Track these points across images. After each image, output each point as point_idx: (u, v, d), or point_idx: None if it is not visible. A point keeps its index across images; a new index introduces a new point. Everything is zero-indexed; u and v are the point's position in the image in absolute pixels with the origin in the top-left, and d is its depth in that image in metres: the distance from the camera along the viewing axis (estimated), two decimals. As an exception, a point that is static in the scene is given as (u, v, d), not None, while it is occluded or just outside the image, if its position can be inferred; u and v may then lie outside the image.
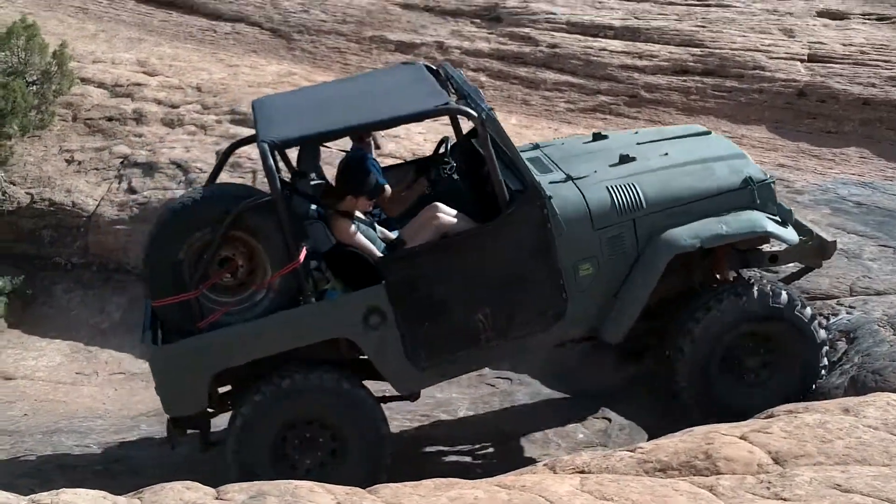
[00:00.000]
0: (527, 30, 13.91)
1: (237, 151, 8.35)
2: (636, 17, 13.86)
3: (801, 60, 12.32)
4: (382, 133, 10.18)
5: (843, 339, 7.33)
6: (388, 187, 6.75)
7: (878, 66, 12.04)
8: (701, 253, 6.70)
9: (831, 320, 7.49)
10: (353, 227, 6.43)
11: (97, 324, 10.01)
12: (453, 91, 6.85)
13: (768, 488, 4.58)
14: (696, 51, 12.78)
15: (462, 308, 6.39)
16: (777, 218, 6.80)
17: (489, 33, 14.08)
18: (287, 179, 6.82)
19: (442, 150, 7.34)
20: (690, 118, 11.53)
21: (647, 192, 6.67)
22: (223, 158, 7.32)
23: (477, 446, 7.40)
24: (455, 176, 7.13)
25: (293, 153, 7.15)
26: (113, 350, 9.61)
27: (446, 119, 7.77)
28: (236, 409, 6.39)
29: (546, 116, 12.32)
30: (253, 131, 6.89)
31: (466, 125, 7.24)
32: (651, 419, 7.18)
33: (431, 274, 6.34)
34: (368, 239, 6.49)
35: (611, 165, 6.86)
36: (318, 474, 6.03)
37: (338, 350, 6.51)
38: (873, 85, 11.69)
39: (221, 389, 6.76)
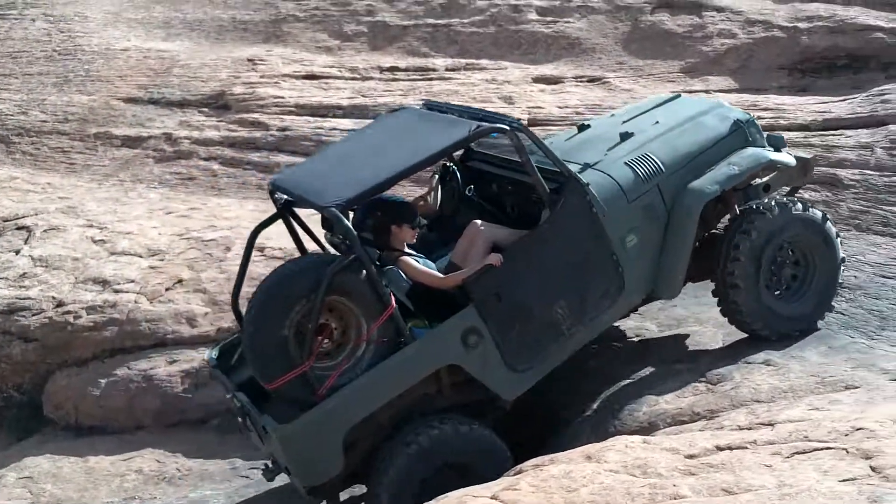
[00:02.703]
0: (256, 115, 13.91)
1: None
2: (363, 95, 14.09)
3: (523, 125, 12.81)
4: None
5: (585, 387, 7.60)
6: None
7: (592, 123, 12.64)
8: (714, 200, 7.32)
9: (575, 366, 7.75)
10: (418, 263, 6.72)
11: None
12: (456, 114, 7.18)
13: (520, 544, 4.66)
14: (423, 123, 13.09)
15: (541, 305, 6.79)
16: (770, 148, 7.62)
17: (218, 121, 14.00)
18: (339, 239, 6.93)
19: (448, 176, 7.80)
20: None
21: (661, 156, 7.29)
22: (251, 242, 7.25)
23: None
24: (470, 194, 7.70)
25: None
26: None
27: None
28: (382, 464, 6.53)
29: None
30: (272, 211, 7.21)
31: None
32: None
33: (510, 282, 6.67)
34: (429, 268, 6.77)
35: (615, 145, 7.41)
36: None
37: (438, 384, 6.74)
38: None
39: None
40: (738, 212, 7.47)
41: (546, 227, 6.81)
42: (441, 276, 6.74)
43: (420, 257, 6.85)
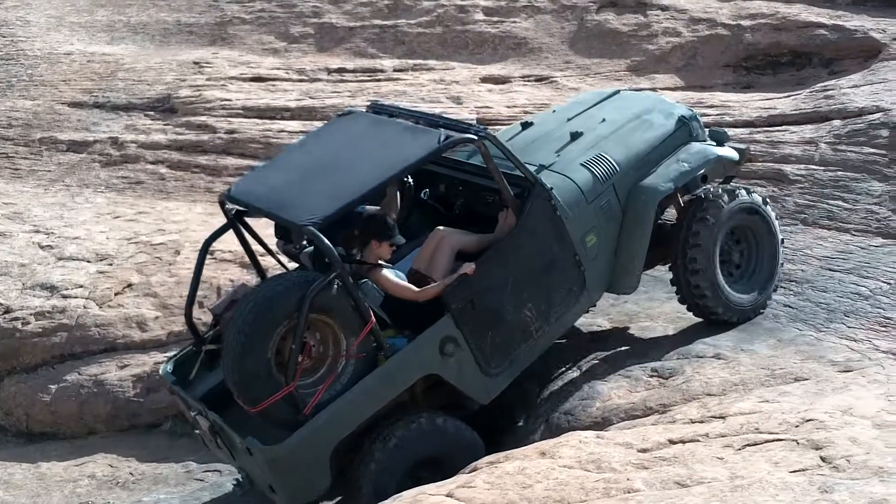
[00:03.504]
0: (203, 118, 13.80)
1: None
2: (311, 97, 14.02)
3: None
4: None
5: (537, 384, 7.64)
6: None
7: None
8: None
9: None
10: (392, 275, 6.73)
11: None
12: (412, 120, 7.24)
13: (476, 541, 4.68)
14: (372, 124, 13.05)
15: (512, 309, 6.91)
16: (712, 142, 7.89)
17: (165, 124, 13.89)
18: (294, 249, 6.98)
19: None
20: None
21: (615, 156, 7.44)
22: (203, 254, 7.18)
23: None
24: (425, 197, 7.75)
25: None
26: None
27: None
28: (364, 460, 6.56)
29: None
30: (220, 214, 7.14)
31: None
32: None
33: (482, 289, 6.78)
34: (403, 281, 6.79)
35: (566, 145, 7.55)
36: None
37: (411, 391, 6.82)
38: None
39: None
40: (681, 203, 7.65)
41: (517, 232, 6.91)
42: (416, 289, 6.73)
43: (391, 269, 6.84)
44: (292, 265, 7.76)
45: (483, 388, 6.93)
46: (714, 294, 7.51)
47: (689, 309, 7.70)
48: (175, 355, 7.46)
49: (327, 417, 6.37)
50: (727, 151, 7.89)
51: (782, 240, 8.01)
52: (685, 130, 7.83)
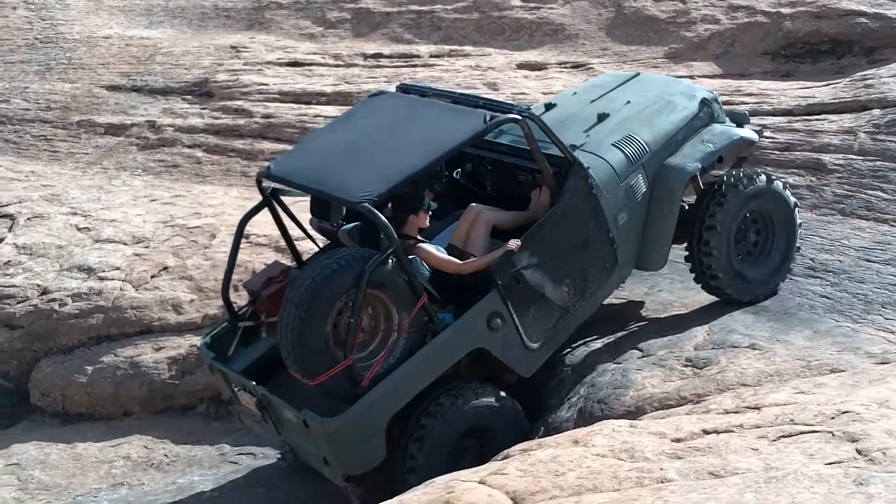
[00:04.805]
0: (239, 102, 13.87)
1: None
2: (347, 83, 14.06)
3: (507, 111, 12.79)
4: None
5: (571, 372, 7.63)
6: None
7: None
8: None
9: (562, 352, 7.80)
10: (435, 250, 6.86)
11: None
12: (448, 100, 7.39)
13: (508, 528, 4.67)
14: (408, 110, 13.05)
15: (552, 285, 7.09)
16: (733, 123, 8.08)
17: (202, 108, 13.97)
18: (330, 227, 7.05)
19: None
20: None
21: (645, 137, 7.62)
22: (239, 232, 7.29)
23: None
24: (458, 178, 7.86)
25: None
26: None
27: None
28: (417, 429, 6.73)
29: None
30: (257, 198, 7.21)
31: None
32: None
33: (527, 265, 6.93)
34: (446, 255, 6.93)
35: (593, 126, 7.70)
36: None
37: (456, 364, 6.91)
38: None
39: None
40: (701, 185, 7.78)
41: (555, 211, 7.07)
42: (460, 262, 6.88)
43: (434, 245, 6.95)
44: (323, 244, 7.77)
45: (525, 362, 7.11)
46: (726, 275, 7.70)
47: (703, 287, 7.92)
48: (210, 332, 7.54)
49: (384, 390, 6.50)
50: (748, 133, 8.11)
51: (800, 224, 8.12)
52: (707, 112, 8.03)
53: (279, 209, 7.28)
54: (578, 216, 7.19)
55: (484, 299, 6.82)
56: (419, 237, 6.92)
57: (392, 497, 5.34)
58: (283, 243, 7.51)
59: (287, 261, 7.92)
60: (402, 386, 6.59)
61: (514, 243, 6.85)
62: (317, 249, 7.68)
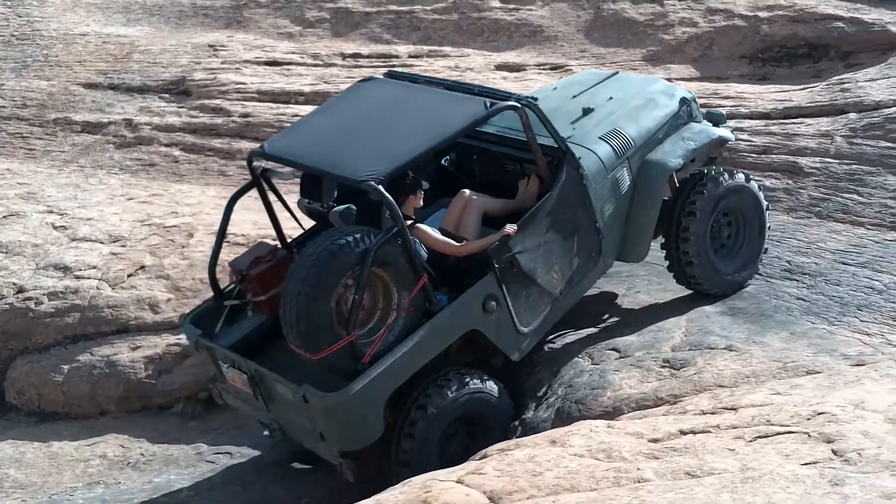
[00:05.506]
0: (217, 101, 13.81)
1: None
2: (325, 82, 14.02)
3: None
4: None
5: (547, 371, 7.64)
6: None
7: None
8: None
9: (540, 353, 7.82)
10: (432, 232, 6.97)
11: None
12: (441, 87, 7.51)
13: (485, 528, 4.68)
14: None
15: (543, 271, 7.23)
16: (709, 123, 8.32)
17: (179, 107, 13.90)
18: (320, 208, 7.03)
19: None
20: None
21: (630, 132, 7.82)
22: (228, 209, 7.30)
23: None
24: (447, 165, 8.02)
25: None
26: None
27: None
28: (412, 414, 6.81)
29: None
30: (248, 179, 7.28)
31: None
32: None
33: (522, 250, 7.06)
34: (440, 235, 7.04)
35: (579, 119, 7.90)
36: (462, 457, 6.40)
37: (447, 347, 6.97)
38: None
39: None
40: (676, 182, 8.00)
41: (549, 199, 7.17)
42: (457, 244, 6.98)
43: (430, 227, 7.03)
44: (309, 226, 7.78)
45: (516, 346, 7.24)
46: (700, 263, 7.88)
47: (675, 277, 8.09)
48: (194, 310, 7.59)
49: (384, 368, 6.56)
50: (725, 132, 8.34)
51: (769, 227, 8.40)
52: (686, 111, 8.26)
53: (268, 189, 7.32)
54: (569, 205, 7.34)
55: (481, 282, 6.92)
56: (415, 218, 6.99)
57: (384, 476, 5.34)
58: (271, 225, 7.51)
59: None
60: (402, 364, 6.64)
61: (511, 228, 6.97)
62: (301, 231, 7.70)
